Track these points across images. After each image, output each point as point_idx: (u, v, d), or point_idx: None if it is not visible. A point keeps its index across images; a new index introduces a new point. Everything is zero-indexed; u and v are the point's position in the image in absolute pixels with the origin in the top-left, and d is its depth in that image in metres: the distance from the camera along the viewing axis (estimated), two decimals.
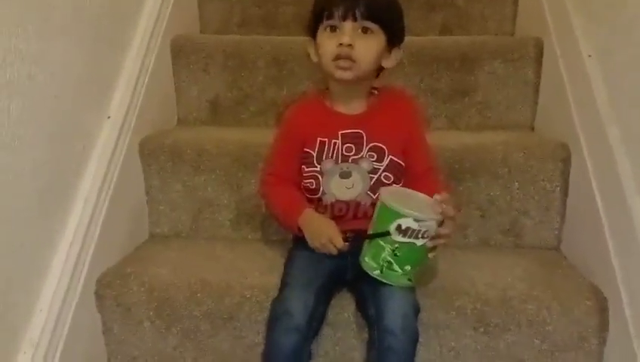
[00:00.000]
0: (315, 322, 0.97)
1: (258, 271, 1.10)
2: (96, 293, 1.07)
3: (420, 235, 0.90)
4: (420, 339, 0.94)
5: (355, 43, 0.96)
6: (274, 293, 1.00)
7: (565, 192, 1.21)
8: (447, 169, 1.20)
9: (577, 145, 1.17)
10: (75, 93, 1.05)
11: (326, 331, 1.02)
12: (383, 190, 0.97)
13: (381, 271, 0.93)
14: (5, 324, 0.88)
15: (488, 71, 1.43)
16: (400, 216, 0.90)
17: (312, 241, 1.01)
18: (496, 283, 1.05)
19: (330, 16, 0.97)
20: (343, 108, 1.04)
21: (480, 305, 1.01)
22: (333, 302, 1.03)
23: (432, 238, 0.92)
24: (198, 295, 1.05)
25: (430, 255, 0.94)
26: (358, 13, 0.96)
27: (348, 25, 0.96)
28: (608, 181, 1.05)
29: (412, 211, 0.90)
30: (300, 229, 1.02)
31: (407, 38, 1.39)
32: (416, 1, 1.64)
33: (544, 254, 1.20)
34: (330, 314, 1.02)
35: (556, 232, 1.22)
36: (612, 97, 1.09)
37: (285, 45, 1.45)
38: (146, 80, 1.29)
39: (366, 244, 0.95)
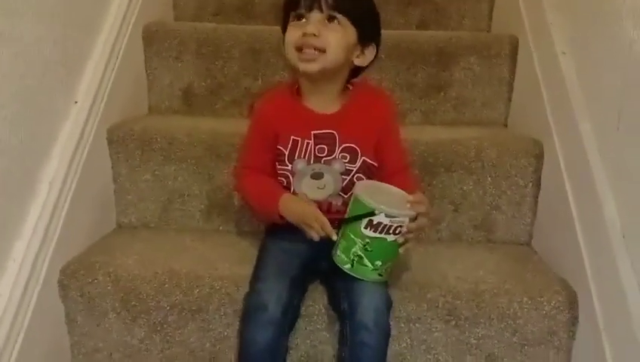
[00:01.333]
0: (291, 314, 0.96)
1: (229, 262, 1.08)
2: (60, 283, 1.04)
3: (391, 231, 0.90)
4: (392, 332, 0.93)
5: (320, 33, 0.94)
6: (244, 285, 0.99)
7: (537, 188, 1.21)
8: (421, 163, 1.20)
9: (550, 141, 1.18)
10: (42, 74, 1.02)
11: (298, 324, 1.00)
12: (358, 184, 0.96)
13: (352, 266, 0.93)
14: None
15: (464, 67, 1.43)
16: (371, 211, 0.89)
17: (299, 223, 0.98)
18: (467, 276, 1.05)
19: (296, 6, 0.96)
20: (315, 106, 1.02)
21: (451, 298, 1.01)
22: (305, 294, 1.01)
23: (404, 234, 0.91)
24: (166, 286, 1.03)
25: (401, 250, 0.93)
26: (324, 3, 0.94)
27: (314, 15, 0.95)
28: (580, 177, 1.06)
29: (383, 206, 0.89)
30: (281, 216, 1.00)
31: (384, 32, 1.39)
32: None
33: (516, 249, 1.20)
34: (303, 307, 1.00)
35: (528, 228, 1.23)
36: (585, 94, 1.09)
37: (261, 35, 1.43)
38: (116, 66, 1.25)
39: (338, 238, 0.94)
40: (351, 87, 1.04)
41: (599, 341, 0.93)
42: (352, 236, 0.91)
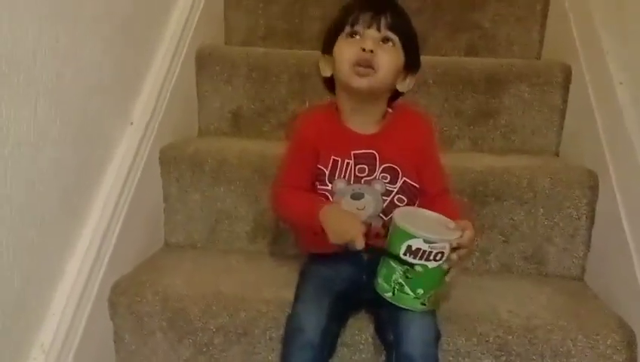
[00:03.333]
0: (330, 339, 0.95)
1: (275, 285, 1.07)
2: (110, 300, 1.05)
3: (431, 257, 0.88)
4: None
5: (376, 51, 0.94)
6: (289, 309, 0.98)
7: (591, 221, 1.18)
8: (470, 191, 1.18)
9: (605, 173, 1.14)
10: (102, 95, 1.05)
11: (343, 353, 0.99)
12: (397, 210, 0.95)
13: (393, 294, 0.91)
14: (18, 326, 0.86)
15: (514, 94, 1.41)
16: (410, 236, 0.87)
17: (334, 238, 0.95)
18: (519, 311, 1.02)
19: (354, 23, 0.96)
20: (355, 127, 1.02)
21: (502, 332, 0.98)
22: (350, 322, 1.00)
23: (447, 261, 0.89)
24: (213, 307, 1.03)
25: (447, 278, 0.91)
26: (383, 23, 0.95)
27: (371, 32, 0.95)
28: (638, 211, 1.02)
29: (422, 232, 0.87)
30: (322, 230, 0.96)
31: (433, 58, 1.40)
32: (441, 20, 1.63)
33: (568, 283, 1.17)
34: (348, 336, 0.99)
35: (581, 261, 1.19)
36: None
37: (309, 59, 1.44)
38: (170, 88, 1.28)
39: (380, 266, 0.93)
40: (391, 110, 1.04)
41: None
42: (392, 263, 0.90)
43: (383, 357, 0.98)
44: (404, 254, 0.88)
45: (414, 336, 0.89)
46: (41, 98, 0.86)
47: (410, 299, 0.90)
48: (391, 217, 0.94)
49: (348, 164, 1.00)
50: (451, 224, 0.91)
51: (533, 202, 1.18)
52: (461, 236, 0.89)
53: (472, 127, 1.42)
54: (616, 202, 1.09)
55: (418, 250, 0.87)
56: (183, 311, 1.04)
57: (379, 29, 0.95)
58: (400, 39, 0.97)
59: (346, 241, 0.94)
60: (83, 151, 1.00)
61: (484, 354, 0.98)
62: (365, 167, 1.00)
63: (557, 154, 1.41)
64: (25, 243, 0.86)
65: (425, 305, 0.91)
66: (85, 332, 0.96)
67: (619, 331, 0.98)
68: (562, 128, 1.40)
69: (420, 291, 0.90)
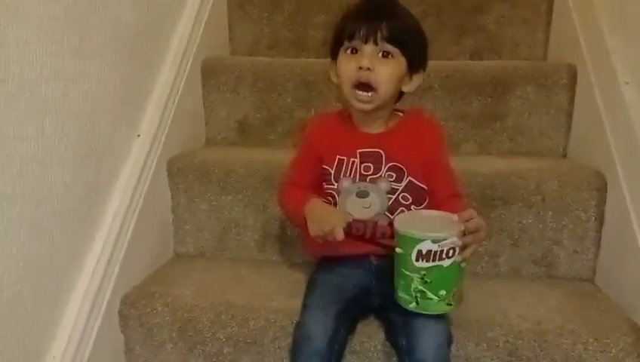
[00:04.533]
0: (338, 345, 0.94)
1: (283, 294, 1.08)
2: (120, 312, 1.06)
3: (444, 255, 0.86)
4: None
5: (374, 67, 0.95)
6: (298, 317, 0.98)
7: (601, 222, 1.17)
8: (478, 195, 1.18)
9: (614, 174, 1.13)
10: (108, 111, 1.06)
11: (352, 360, 0.99)
12: (396, 219, 0.93)
13: (417, 303, 0.89)
14: (30, 339, 0.87)
15: (520, 96, 1.40)
16: (417, 241, 0.86)
17: (313, 230, 0.96)
18: (529, 315, 1.02)
19: (351, 38, 0.96)
20: (364, 127, 1.03)
21: (512, 337, 0.97)
22: (359, 329, 1.00)
23: (460, 253, 0.87)
24: (222, 317, 1.04)
25: (462, 265, 0.89)
26: (380, 36, 0.94)
27: (369, 48, 0.95)
28: None
29: (427, 233, 0.86)
30: (305, 221, 0.98)
31: (438, 62, 1.39)
32: (446, 24, 1.63)
33: (578, 286, 1.16)
34: (357, 343, 0.99)
35: (591, 263, 1.18)
36: None
37: (314, 67, 1.45)
38: (177, 100, 1.30)
39: (396, 279, 0.92)
40: (402, 114, 1.04)
41: None
42: (407, 273, 0.88)
43: None
44: (417, 260, 0.87)
45: (427, 341, 0.88)
46: (48, 117, 0.88)
47: (435, 303, 0.89)
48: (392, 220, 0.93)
49: (353, 162, 1.01)
50: (454, 217, 0.89)
51: (542, 205, 1.17)
52: (467, 224, 0.87)
53: (478, 130, 1.42)
54: (626, 203, 1.08)
55: (429, 252, 0.86)
56: (193, 321, 1.04)
57: (376, 43, 0.95)
58: (400, 49, 0.96)
59: (326, 232, 0.94)
60: (91, 167, 1.01)
61: (493, 359, 0.97)
62: (371, 165, 1.00)
63: (565, 156, 1.40)
64: (35, 258, 0.87)
65: (451, 305, 0.89)
66: (96, 344, 0.98)
67: (631, 334, 0.97)
68: (569, 129, 1.40)
69: (443, 292, 0.88)
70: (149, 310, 1.06)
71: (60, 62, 0.90)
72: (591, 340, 0.96)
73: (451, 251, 0.87)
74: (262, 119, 1.47)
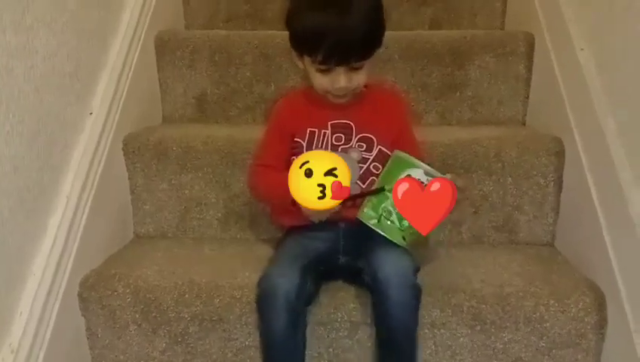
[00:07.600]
0: (304, 299, 0.93)
1: (248, 270, 1.06)
2: (80, 296, 1.03)
3: None
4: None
5: (350, 78, 0.96)
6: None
7: (559, 187, 1.19)
8: (440, 164, 1.17)
9: (571, 139, 1.15)
10: (57, 87, 1.02)
11: (319, 332, 0.99)
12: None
13: (378, 221, 0.93)
14: None
15: (479, 65, 1.41)
16: (411, 165, 0.91)
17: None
18: (492, 280, 1.03)
19: (323, 63, 0.94)
20: (331, 99, 1.02)
21: (476, 302, 0.99)
22: (326, 301, 1.00)
23: None
24: (186, 296, 1.02)
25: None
26: (352, 60, 0.94)
27: (341, 69, 0.95)
28: (604, 174, 1.03)
29: (424, 164, 0.91)
30: (294, 202, 0.97)
31: (397, 33, 1.38)
32: None
33: (539, 250, 1.18)
34: (324, 314, 0.99)
35: (551, 228, 1.20)
36: (606, 89, 1.07)
37: (273, 40, 1.42)
38: (130, 76, 1.25)
39: (366, 199, 0.95)
40: (365, 88, 1.04)
41: (630, 343, 0.90)
42: (387, 191, 0.91)
43: (360, 334, 0.99)
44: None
45: (392, 263, 0.91)
46: None
47: (394, 229, 0.92)
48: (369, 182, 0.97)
49: (325, 133, 1.02)
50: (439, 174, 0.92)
51: (502, 172, 1.19)
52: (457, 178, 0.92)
53: (439, 101, 1.42)
54: (582, 166, 1.10)
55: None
56: (156, 301, 1.02)
57: (348, 64, 0.95)
58: (371, 56, 0.96)
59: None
60: (41, 145, 0.96)
61: (459, 324, 0.99)
62: (342, 135, 1.02)
63: (524, 124, 1.42)
64: None
65: (405, 240, 0.93)
66: (55, 330, 0.94)
67: (589, 294, 1.00)
68: (528, 97, 1.41)
69: (406, 223, 0.91)
70: (109, 292, 1.03)
71: (1, 35, 0.85)
72: (552, 301, 0.99)
73: None
74: (220, 94, 1.44)
